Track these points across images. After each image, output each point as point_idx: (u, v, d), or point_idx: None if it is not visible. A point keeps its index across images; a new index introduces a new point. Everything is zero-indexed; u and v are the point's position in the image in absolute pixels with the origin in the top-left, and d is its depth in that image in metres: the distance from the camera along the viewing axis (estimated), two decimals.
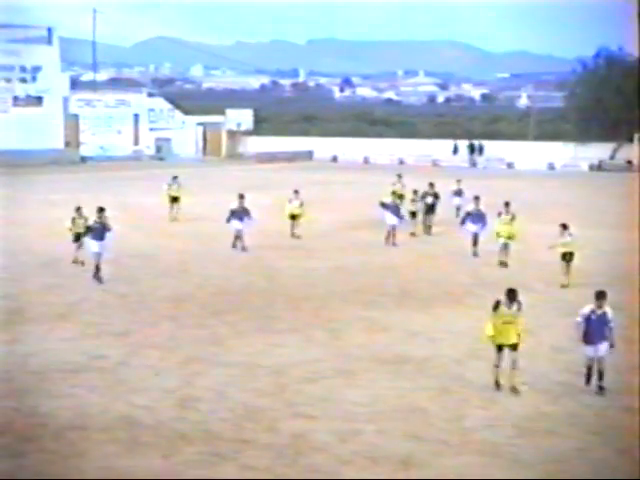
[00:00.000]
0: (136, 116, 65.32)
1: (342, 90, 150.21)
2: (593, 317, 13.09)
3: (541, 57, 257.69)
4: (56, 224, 25.26)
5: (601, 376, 12.98)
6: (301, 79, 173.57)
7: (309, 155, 71.36)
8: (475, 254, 24.50)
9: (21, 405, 12.33)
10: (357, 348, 15.72)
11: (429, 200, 29.05)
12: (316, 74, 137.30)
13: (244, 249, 25.09)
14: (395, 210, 26.56)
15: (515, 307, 12.96)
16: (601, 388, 12.93)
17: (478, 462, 10.45)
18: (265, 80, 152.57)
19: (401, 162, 66.00)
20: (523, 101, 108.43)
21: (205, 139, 71.05)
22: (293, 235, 27.62)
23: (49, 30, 60.51)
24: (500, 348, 12.97)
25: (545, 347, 15.57)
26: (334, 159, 70.42)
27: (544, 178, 55.72)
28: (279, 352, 15.39)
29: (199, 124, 70.18)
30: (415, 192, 28.91)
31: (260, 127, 75.37)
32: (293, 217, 27.74)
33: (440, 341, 16.21)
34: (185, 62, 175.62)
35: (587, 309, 13.19)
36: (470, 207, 24.92)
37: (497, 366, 13.06)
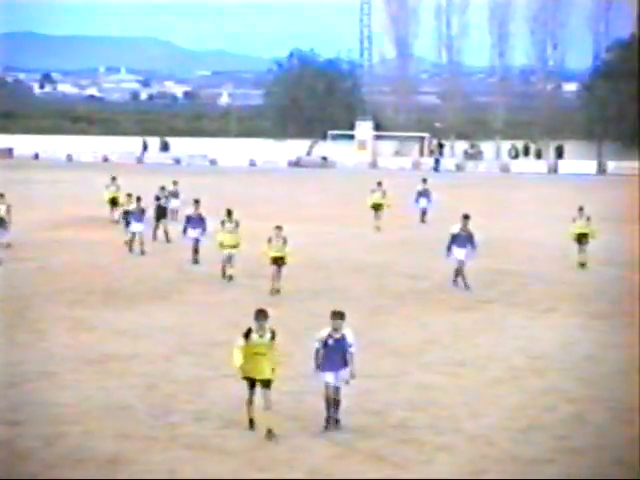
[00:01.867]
0: None
1: (42, 86, 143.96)
2: (330, 342, 11.29)
3: (238, 56, 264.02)
4: None
5: (337, 406, 11.37)
6: None
7: (9, 153, 68.92)
8: (196, 261, 23.38)
9: None
10: (62, 348, 15.39)
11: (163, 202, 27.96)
12: (14, 69, 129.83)
13: None
14: (139, 217, 25.24)
15: (268, 335, 11.10)
16: (337, 421, 11.36)
17: (187, 456, 10.64)
18: None
19: (105, 159, 65.52)
20: (224, 99, 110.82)
21: None
22: None
23: None
24: (252, 383, 11.21)
25: None
26: (36, 157, 68.39)
27: (246, 174, 57.46)
28: None
29: None
30: (129, 195, 27.08)
31: None
32: None
33: (147, 338, 16.26)
34: None
35: (324, 333, 11.35)
36: (189, 211, 23.95)
37: (251, 402, 11.29)
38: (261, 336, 11.02)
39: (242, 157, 65.85)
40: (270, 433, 10.92)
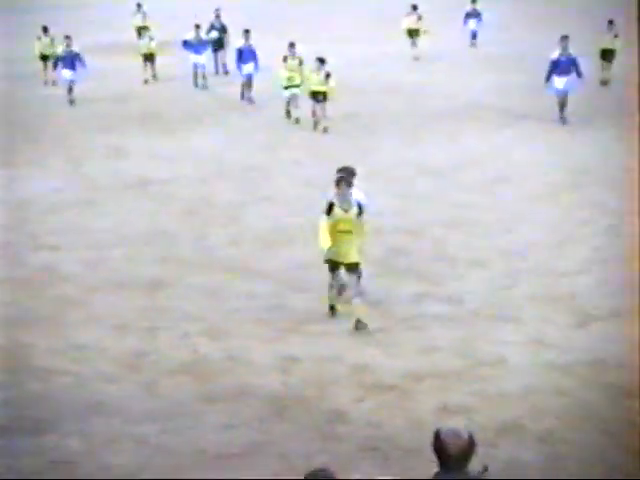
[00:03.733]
0: None
1: None
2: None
3: None
4: None
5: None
6: None
7: None
8: (249, 100, 21.53)
9: None
10: (100, 175, 15.55)
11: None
12: None
13: None
14: (198, 48, 23.53)
15: (355, 209, 9.33)
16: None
17: (223, 278, 10.87)
18: None
19: None
20: None
21: None
22: None
23: None
24: (334, 266, 9.53)
25: None
26: None
27: None
28: (19, 186, 14.89)
29: None
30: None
31: None
32: None
33: (183, 162, 16.35)
34: None
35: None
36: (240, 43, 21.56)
37: (332, 287, 9.76)
38: (346, 210, 9.28)
39: None
40: (360, 323, 9.26)
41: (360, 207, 9.31)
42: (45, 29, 24.77)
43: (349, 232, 9.25)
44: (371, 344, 9.01)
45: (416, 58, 27.09)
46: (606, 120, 18.50)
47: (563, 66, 18.05)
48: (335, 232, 9.19)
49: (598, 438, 7.29)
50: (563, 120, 18.37)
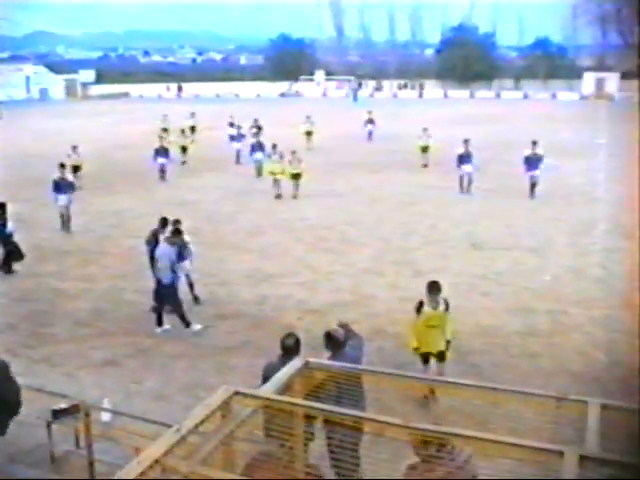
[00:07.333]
0: (27, 77, 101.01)
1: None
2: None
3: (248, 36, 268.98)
4: None
5: None
6: None
7: (126, 95, 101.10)
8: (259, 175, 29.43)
9: None
10: (165, 198, 26.15)
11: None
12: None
13: None
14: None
15: (442, 307, 10.48)
16: None
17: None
18: None
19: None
20: (243, 61, 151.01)
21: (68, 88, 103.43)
22: None
23: None
24: (426, 358, 10.67)
25: None
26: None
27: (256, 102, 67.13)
28: (116, 204, 25.02)
29: (65, 79, 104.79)
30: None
31: None
32: None
33: (205, 190, 27.20)
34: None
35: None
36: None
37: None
38: (434, 308, 10.45)
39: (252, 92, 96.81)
40: (432, 395, 9.27)
41: (447, 304, 10.51)
42: None
43: (437, 327, 10.45)
44: None
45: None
46: None
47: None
48: (425, 327, 10.45)
49: None
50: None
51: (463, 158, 26.37)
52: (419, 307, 10.44)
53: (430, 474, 4.93)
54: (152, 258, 14.20)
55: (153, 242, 14.53)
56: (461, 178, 26.31)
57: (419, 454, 5.05)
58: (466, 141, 26.67)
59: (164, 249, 13.58)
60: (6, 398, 6.58)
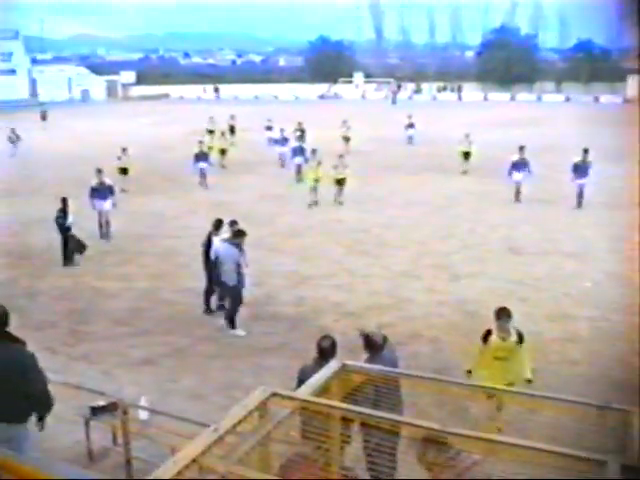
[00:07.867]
0: (69, 78, 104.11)
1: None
2: None
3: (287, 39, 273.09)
4: None
5: None
6: None
7: (166, 96, 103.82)
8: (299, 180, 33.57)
9: None
10: (198, 199, 26.33)
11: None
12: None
13: None
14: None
15: (513, 338, 9.16)
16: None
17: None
18: None
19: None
20: (282, 62, 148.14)
21: (109, 89, 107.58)
22: None
23: (16, 32, 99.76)
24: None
25: None
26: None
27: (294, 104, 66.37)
28: (153, 204, 25.68)
29: (106, 81, 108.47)
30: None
31: None
32: None
33: (239, 190, 27.26)
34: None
35: None
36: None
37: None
38: (503, 339, 9.09)
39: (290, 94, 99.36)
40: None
41: (521, 336, 9.13)
42: None
43: (505, 359, 9.04)
44: None
45: (465, 172, 32.14)
46: None
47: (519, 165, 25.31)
48: (491, 358, 9.06)
49: None
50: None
51: (517, 166, 25.52)
52: (486, 336, 9.13)
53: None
54: (207, 259, 14.24)
55: (207, 243, 14.52)
56: (517, 185, 25.50)
57: (421, 461, 4.95)
58: (522, 148, 25.75)
59: (228, 250, 13.51)
60: (30, 386, 6.64)
